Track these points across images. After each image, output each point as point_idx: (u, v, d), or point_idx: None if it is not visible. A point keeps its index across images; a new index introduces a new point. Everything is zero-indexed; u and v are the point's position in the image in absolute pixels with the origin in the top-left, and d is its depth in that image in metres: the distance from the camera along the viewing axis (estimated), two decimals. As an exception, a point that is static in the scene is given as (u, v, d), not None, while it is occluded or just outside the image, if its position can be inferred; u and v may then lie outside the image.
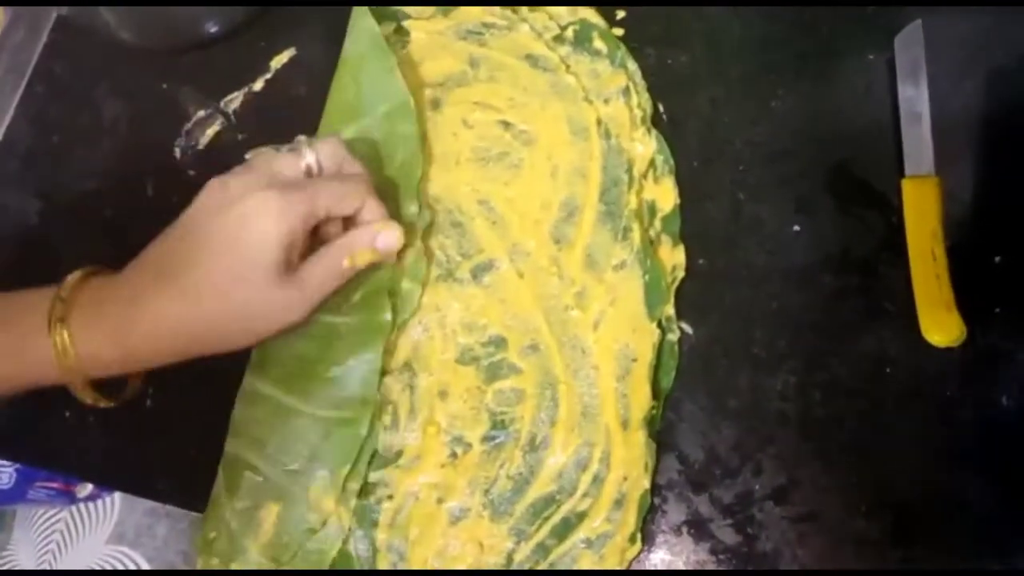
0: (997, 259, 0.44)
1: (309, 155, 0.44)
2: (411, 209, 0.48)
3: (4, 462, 0.93)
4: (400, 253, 0.46)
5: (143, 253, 0.43)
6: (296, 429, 0.45)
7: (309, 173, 0.44)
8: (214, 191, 0.42)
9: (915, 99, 0.46)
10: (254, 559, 0.45)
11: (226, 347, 0.43)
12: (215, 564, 0.46)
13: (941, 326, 0.42)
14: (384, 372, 0.46)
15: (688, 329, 0.46)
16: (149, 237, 0.53)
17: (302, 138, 0.45)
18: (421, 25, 0.53)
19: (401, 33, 0.53)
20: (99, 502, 1.12)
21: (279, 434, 0.46)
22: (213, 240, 0.41)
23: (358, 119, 0.51)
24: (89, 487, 1.14)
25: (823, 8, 0.50)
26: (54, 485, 1.01)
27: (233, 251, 0.40)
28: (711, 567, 0.42)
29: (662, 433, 0.44)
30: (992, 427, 0.41)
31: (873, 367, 0.43)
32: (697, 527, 0.42)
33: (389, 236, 0.44)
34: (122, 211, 0.55)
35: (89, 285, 0.42)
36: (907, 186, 0.45)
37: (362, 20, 0.52)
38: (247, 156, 0.49)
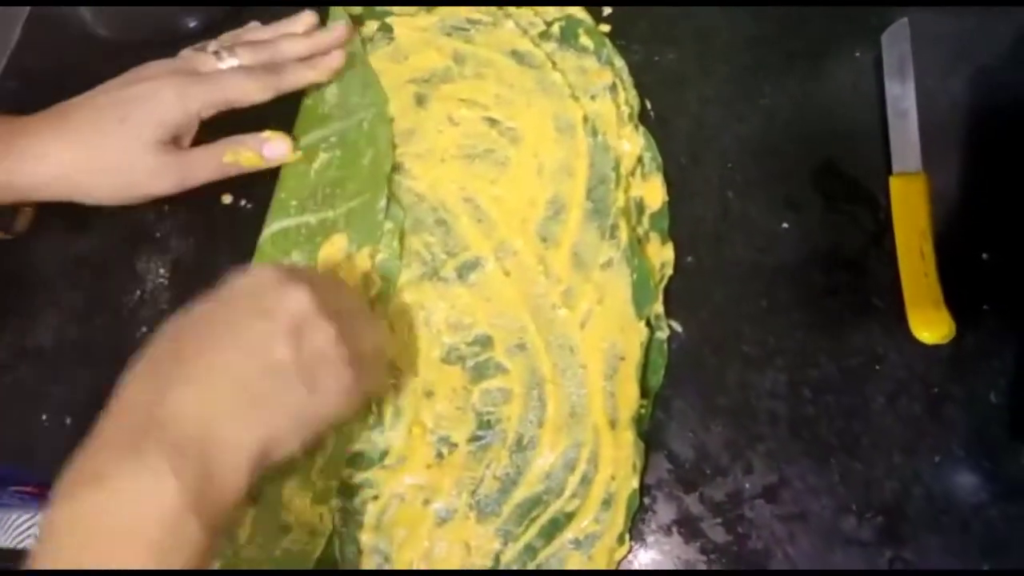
0: (984, 256, 0.44)
1: (229, 60, 0.49)
2: (379, 205, 0.48)
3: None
4: (372, 252, 0.47)
5: (42, 111, 0.48)
6: None
7: None
8: (131, 71, 0.48)
9: (902, 96, 0.46)
10: (231, 559, 0.44)
11: (94, 194, 0.47)
12: None
13: (930, 324, 0.42)
14: None
15: (677, 327, 0.45)
16: (129, 236, 0.53)
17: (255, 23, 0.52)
18: (405, 21, 0.52)
19: (385, 30, 0.52)
20: (75, 507, 1.09)
21: None
22: (110, 105, 0.46)
23: (332, 123, 0.50)
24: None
25: (811, 7, 0.50)
26: (28, 490, 0.99)
27: (125, 118, 0.46)
28: (701, 566, 0.41)
29: (651, 432, 0.44)
30: (981, 424, 0.41)
31: (862, 364, 0.43)
32: (687, 526, 0.42)
33: (276, 147, 0.49)
34: (100, 209, 0.54)
35: None
36: (895, 183, 0.45)
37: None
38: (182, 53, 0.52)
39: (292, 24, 0.52)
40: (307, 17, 0.52)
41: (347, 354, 0.37)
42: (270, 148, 0.49)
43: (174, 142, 0.48)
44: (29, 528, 0.78)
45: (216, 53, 0.49)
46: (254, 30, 0.53)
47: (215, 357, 0.34)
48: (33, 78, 0.60)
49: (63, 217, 0.54)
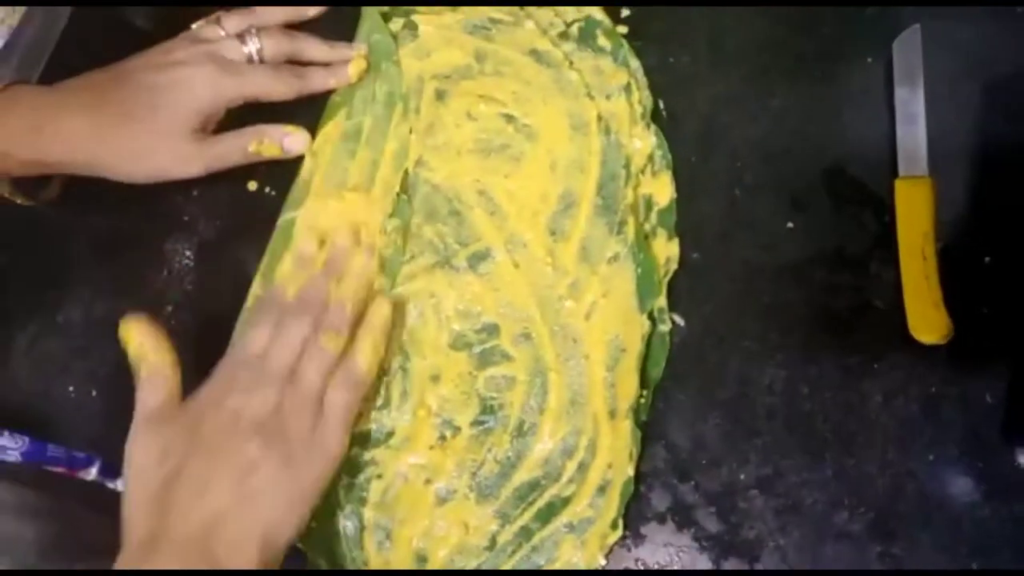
0: (987, 260, 0.44)
1: (253, 44, 0.50)
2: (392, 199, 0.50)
3: (11, 446, 0.93)
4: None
5: (71, 81, 0.49)
6: None
7: (251, 60, 0.51)
8: (158, 52, 0.49)
9: (911, 101, 0.47)
10: None
11: (121, 174, 0.49)
12: None
13: (929, 324, 0.42)
14: None
15: (680, 321, 0.46)
16: (157, 219, 0.55)
17: (254, 21, 0.52)
18: (430, 19, 0.54)
19: (410, 27, 0.54)
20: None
21: None
22: (143, 90, 0.47)
23: (355, 115, 0.52)
24: (93, 472, 1.14)
25: (824, 11, 0.51)
26: (59, 470, 1.01)
27: (157, 105, 0.47)
28: (694, 554, 0.42)
29: (650, 422, 0.45)
30: (976, 425, 0.41)
31: (861, 363, 0.44)
32: (681, 514, 0.43)
33: (296, 140, 0.51)
34: (131, 193, 0.56)
35: (11, 90, 0.48)
36: (900, 186, 0.46)
37: (371, 25, 0.53)
38: (193, 26, 0.53)
39: (301, 11, 0.54)
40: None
41: (311, 427, 0.41)
42: (290, 141, 0.51)
43: (201, 128, 0.50)
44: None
45: (240, 37, 0.51)
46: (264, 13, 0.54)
47: (198, 468, 0.38)
48: (80, 71, 0.63)
49: (97, 195, 0.56)
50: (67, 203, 0.57)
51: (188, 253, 0.54)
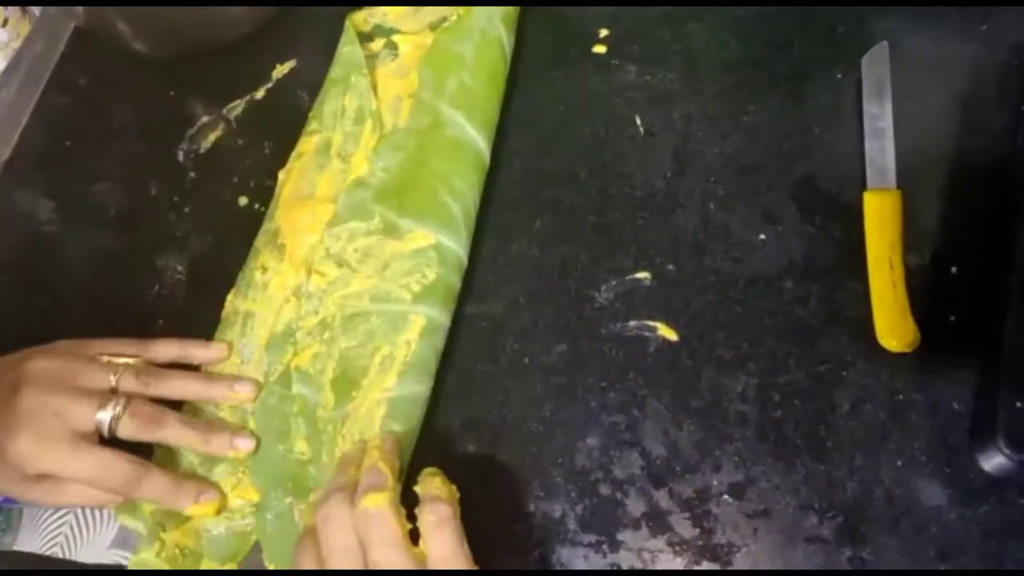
0: (953, 270, 0.45)
1: (109, 411, 0.43)
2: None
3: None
4: None
5: None
6: None
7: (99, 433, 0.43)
8: (27, 393, 0.43)
9: (879, 116, 0.48)
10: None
11: None
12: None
13: (896, 332, 0.43)
14: None
15: (656, 331, 0.47)
16: (151, 235, 0.56)
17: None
18: (409, 39, 0.55)
19: (390, 47, 0.55)
20: (103, 505, 1.13)
21: None
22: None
23: (324, 130, 0.53)
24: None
25: (795, 29, 0.52)
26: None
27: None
28: (668, 559, 0.43)
29: (626, 430, 0.46)
30: (942, 431, 0.42)
31: (830, 370, 0.44)
32: (656, 520, 0.44)
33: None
34: (127, 210, 0.58)
35: None
36: (868, 199, 0.47)
37: (346, 37, 0.55)
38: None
39: (197, 349, 0.49)
40: (215, 350, 0.49)
41: None
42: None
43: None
44: (61, 526, 0.82)
45: (103, 400, 0.43)
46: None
47: None
48: (75, 90, 0.65)
49: (91, 213, 0.58)
50: (61, 221, 0.59)
51: (180, 268, 0.56)
